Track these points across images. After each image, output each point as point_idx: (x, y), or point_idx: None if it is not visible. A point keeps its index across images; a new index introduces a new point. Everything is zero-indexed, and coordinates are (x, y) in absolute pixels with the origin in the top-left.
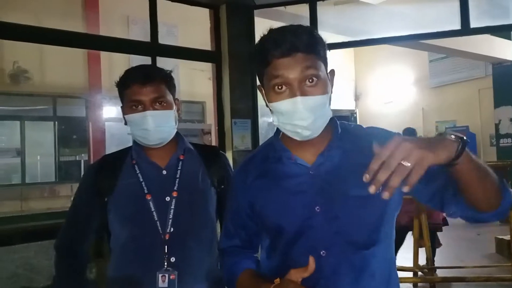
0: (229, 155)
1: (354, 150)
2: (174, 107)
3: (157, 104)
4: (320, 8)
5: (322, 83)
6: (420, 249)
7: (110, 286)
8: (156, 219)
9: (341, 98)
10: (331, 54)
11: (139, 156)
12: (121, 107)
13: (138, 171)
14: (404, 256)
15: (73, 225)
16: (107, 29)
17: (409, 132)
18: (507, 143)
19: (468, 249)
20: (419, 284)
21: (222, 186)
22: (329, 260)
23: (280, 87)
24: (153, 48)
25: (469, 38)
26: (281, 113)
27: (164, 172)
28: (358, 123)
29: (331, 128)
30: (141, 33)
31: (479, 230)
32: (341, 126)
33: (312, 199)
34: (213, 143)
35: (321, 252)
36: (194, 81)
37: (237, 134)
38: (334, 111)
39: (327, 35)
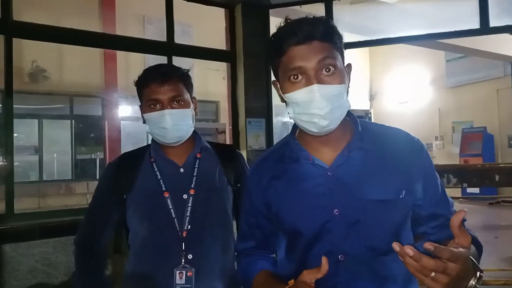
0: (243, 154)
1: (376, 151)
2: (192, 105)
3: (175, 103)
4: (336, 7)
5: (339, 72)
6: None
7: (128, 282)
8: (173, 216)
9: (355, 98)
10: (346, 54)
11: (157, 154)
12: (140, 105)
13: (156, 169)
14: None
15: (93, 221)
16: (123, 28)
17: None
18: None
19: (486, 252)
20: None
21: (239, 185)
22: (347, 264)
23: (296, 77)
24: (169, 47)
25: (488, 37)
26: (297, 104)
27: (182, 170)
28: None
29: (350, 126)
30: (156, 33)
31: (496, 233)
32: (361, 124)
33: (331, 202)
34: (227, 142)
35: (339, 256)
36: (209, 81)
37: (251, 133)
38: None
39: (343, 35)
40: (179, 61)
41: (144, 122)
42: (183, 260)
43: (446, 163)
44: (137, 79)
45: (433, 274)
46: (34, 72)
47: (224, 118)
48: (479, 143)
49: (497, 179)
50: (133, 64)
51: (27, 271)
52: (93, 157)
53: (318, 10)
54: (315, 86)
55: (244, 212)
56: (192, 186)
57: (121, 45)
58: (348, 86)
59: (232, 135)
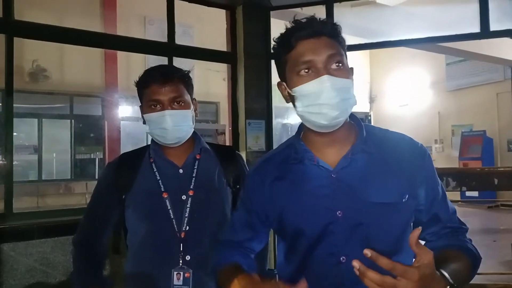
0: (242, 156)
1: (379, 154)
2: (192, 106)
3: (176, 103)
4: (337, 10)
5: (346, 69)
6: None
7: (127, 282)
8: (172, 217)
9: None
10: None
11: (156, 154)
12: (140, 106)
13: (155, 169)
14: None
15: (92, 221)
16: (124, 29)
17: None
18: None
19: (485, 255)
20: None
21: (238, 186)
22: (349, 267)
23: (306, 70)
24: (170, 48)
25: (488, 41)
26: (306, 96)
27: (181, 171)
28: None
29: (355, 129)
30: (157, 33)
31: (496, 236)
32: (365, 128)
33: (334, 203)
34: (227, 144)
35: (341, 258)
36: (209, 82)
37: (251, 134)
38: None
39: (344, 37)
40: (180, 62)
41: (144, 122)
42: (181, 261)
43: (446, 167)
44: (137, 79)
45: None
46: (34, 72)
47: (224, 119)
48: (479, 146)
49: (496, 183)
50: (134, 65)
51: (26, 270)
52: (92, 157)
53: (319, 12)
54: (326, 77)
55: (240, 207)
56: (191, 187)
57: (121, 45)
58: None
59: (232, 136)
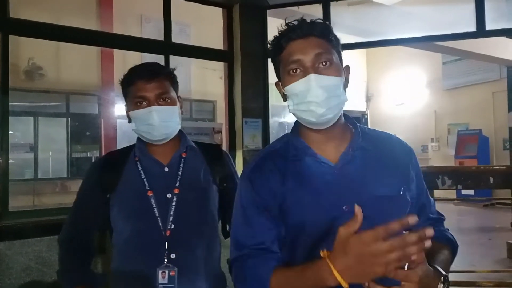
0: (239, 155)
1: (375, 151)
2: (178, 104)
3: (162, 100)
4: (334, 9)
5: (335, 67)
6: None
7: (112, 281)
8: (157, 215)
9: (352, 99)
10: (343, 55)
11: (142, 153)
12: (125, 104)
13: (140, 168)
14: None
15: (77, 220)
16: (120, 27)
17: None
18: None
19: (480, 254)
20: None
21: (225, 184)
22: None
23: (294, 70)
24: (167, 46)
25: (484, 41)
26: (296, 95)
27: (166, 169)
28: (369, 124)
29: (350, 128)
30: (154, 32)
31: (491, 235)
32: (360, 128)
33: (340, 198)
34: (224, 142)
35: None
36: (206, 80)
37: (247, 133)
38: (344, 111)
39: (341, 36)
40: (177, 61)
41: (129, 121)
42: (166, 260)
43: (442, 165)
44: (122, 78)
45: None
46: (30, 70)
47: (221, 117)
48: (475, 145)
49: (491, 181)
50: (130, 63)
51: (21, 269)
52: (89, 155)
53: (316, 11)
54: (312, 76)
55: (244, 211)
56: (177, 185)
57: (118, 43)
58: (346, 86)
59: (228, 135)
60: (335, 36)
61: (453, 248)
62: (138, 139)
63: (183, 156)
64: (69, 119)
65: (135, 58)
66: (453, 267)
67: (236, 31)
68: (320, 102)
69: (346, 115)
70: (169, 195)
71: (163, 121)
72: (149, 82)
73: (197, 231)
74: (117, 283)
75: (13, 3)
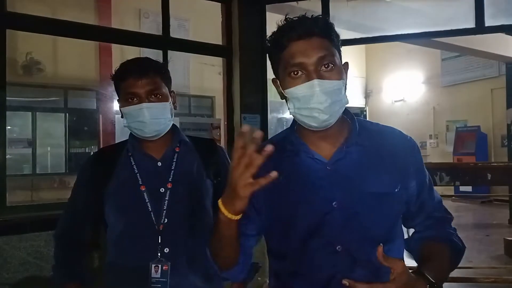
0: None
1: (372, 147)
2: (170, 99)
3: (153, 96)
4: (333, 4)
5: (338, 69)
6: None
7: (107, 275)
8: (150, 210)
9: (351, 95)
10: (342, 51)
11: (134, 148)
12: (118, 100)
13: (133, 163)
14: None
15: (71, 216)
16: (118, 22)
17: None
18: None
19: (477, 250)
20: None
21: (219, 178)
22: (345, 255)
23: (296, 73)
24: (165, 41)
25: (483, 37)
26: (298, 99)
27: (159, 164)
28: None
29: (348, 123)
30: (152, 26)
31: (488, 231)
32: (358, 122)
33: (330, 194)
34: (222, 138)
35: (337, 247)
36: (204, 76)
37: None
38: None
39: (340, 32)
40: (174, 56)
41: (122, 116)
42: (159, 254)
43: (440, 162)
44: (114, 73)
45: None
46: (28, 64)
47: (220, 113)
48: (473, 142)
49: (489, 178)
50: (129, 58)
51: (19, 264)
52: (87, 150)
53: (314, 6)
54: (316, 81)
55: None
56: (170, 180)
57: (116, 38)
58: (346, 85)
59: (227, 131)
60: (336, 34)
61: (455, 250)
62: (131, 134)
63: (176, 150)
64: (67, 114)
65: (134, 53)
66: None
67: (235, 26)
68: (323, 109)
69: (346, 109)
70: (162, 190)
71: (154, 118)
72: (139, 79)
73: (190, 225)
74: (111, 277)
75: None
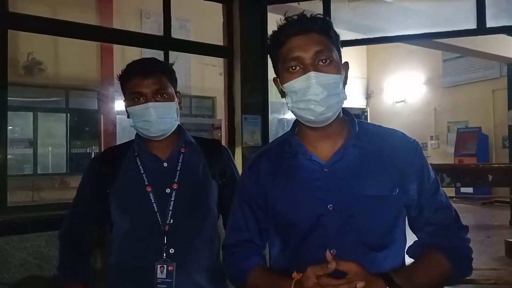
0: (238, 151)
1: (372, 149)
2: (176, 99)
3: (159, 96)
4: (334, 5)
5: (335, 64)
6: None
7: (111, 275)
8: (156, 210)
9: (352, 96)
10: (343, 52)
11: (140, 148)
12: (124, 100)
13: (139, 163)
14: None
15: (77, 215)
16: (120, 22)
17: None
18: None
19: (478, 251)
20: None
21: (224, 179)
22: (340, 258)
23: (294, 67)
24: (166, 42)
25: (485, 38)
26: (295, 92)
27: (165, 164)
28: (369, 121)
29: (348, 125)
30: (153, 27)
31: (489, 232)
32: (359, 124)
33: (325, 197)
34: (223, 138)
35: (332, 251)
36: (205, 76)
37: (247, 130)
38: (344, 108)
39: (340, 32)
40: (175, 56)
41: (128, 116)
42: (164, 254)
43: (441, 163)
44: (120, 73)
45: None
46: (29, 65)
47: (220, 114)
48: (474, 143)
49: (490, 179)
50: (130, 58)
51: (20, 264)
52: (88, 151)
53: (316, 7)
54: (312, 73)
55: (240, 204)
56: (176, 180)
57: (117, 38)
58: (345, 83)
59: (228, 131)
60: (335, 32)
61: (453, 259)
62: (137, 134)
63: (182, 151)
64: (68, 114)
65: (135, 53)
66: None
67: (236, 27)
68: (319, 101)
69: (347, 111)
70: (168, 190)
71: (160, 117)
72: (146, 78)
73: (196, 226)
74: (116, 277)
75: None
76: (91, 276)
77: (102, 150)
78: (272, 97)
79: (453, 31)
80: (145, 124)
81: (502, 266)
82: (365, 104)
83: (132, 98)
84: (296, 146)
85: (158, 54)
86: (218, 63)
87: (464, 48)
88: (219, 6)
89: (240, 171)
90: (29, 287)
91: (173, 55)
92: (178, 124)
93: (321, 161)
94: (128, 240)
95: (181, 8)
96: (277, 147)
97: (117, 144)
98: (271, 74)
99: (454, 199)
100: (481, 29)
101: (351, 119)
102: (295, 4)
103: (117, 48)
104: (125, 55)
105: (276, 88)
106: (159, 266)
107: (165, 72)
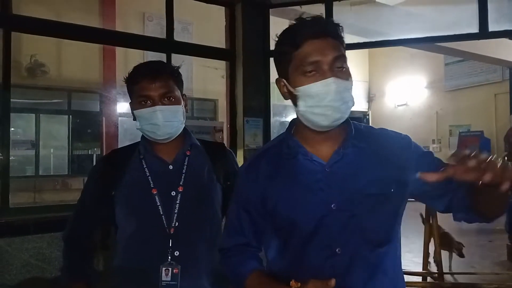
0: (240, 153)
1: (369, 148)
2: (182, 102)
3: (166, 99)
4: (336, 9)
5: (348, 71)
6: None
7: (115, 277)
8: (161, 213)
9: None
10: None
11: (146, 151)
12: (130, 102)
13: (145, 166)
14: (413, 260)
15: (81, 217)
16: (123, 25)
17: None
18: None
19: (480, 255)
20: None
21: (228, 183)
22: (344, 257)
23: (311, 72)
24: (169, 44)
25: (487, 42)
26: (311, 96)
27: (171, 167)
28: (370, 124)
29: (344, 125)
30: (156, 30)
31: (491, 237)
32: (353, 126)
33: (328, 197)
34: (225, 141)
35: (337, 250)
36: (207, 79)
37: (249, 132)
38: None
39: (343, 36)
40: (178, 59)
41: (134, 119)
42: (169, 257)
43: None
44: (127, 76)
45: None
46: (32, 67)
47: (222, 116)
48: (476, 147)
49: None
50: (132, 61)
51: (21, 265)
52: (90, 153)
53: (318, 11)
54: (332, 79)
55: (236, 207)
56: (181, 183)
57: (120, 41)
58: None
59: (229, 134)
60: (343, 39)
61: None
62: (143, 137)
63: (187, 154)
64: (70, 116)
65: (137, 56)
66: (453, 268)
67: (238, 30)
68: (337, 107)
69: None
70: (173, 193)
71: (167, 121)
72: (153, 82)
73: (201, 229)
74: (120, 279)
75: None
76: (94, 277)
77: (104, 152)
78: (274, 99)
79: (455, 35)
80: (152, 127)
81: (504, 270)
82: (367, 108)
83: (139, 101)
84: (295, 147)
85: (161, 57)
86: (220, 65)
87: (466, 52)
88: (221, 9)
89: None
90: None
91: (176, 58)
92: (184, 127)
93: (322, 161)
94: (132, 242)
95: (183, 11)
96: (275, 148)
97: (118, 146)
98: (273, 76)
99: None
100: (483, 33)
101: (347, 120)
102: (297, 7)
103: (119, 50)
104: (127, 58)
105: (278, 91)
106: (164, 268)
107: (172, 75)
